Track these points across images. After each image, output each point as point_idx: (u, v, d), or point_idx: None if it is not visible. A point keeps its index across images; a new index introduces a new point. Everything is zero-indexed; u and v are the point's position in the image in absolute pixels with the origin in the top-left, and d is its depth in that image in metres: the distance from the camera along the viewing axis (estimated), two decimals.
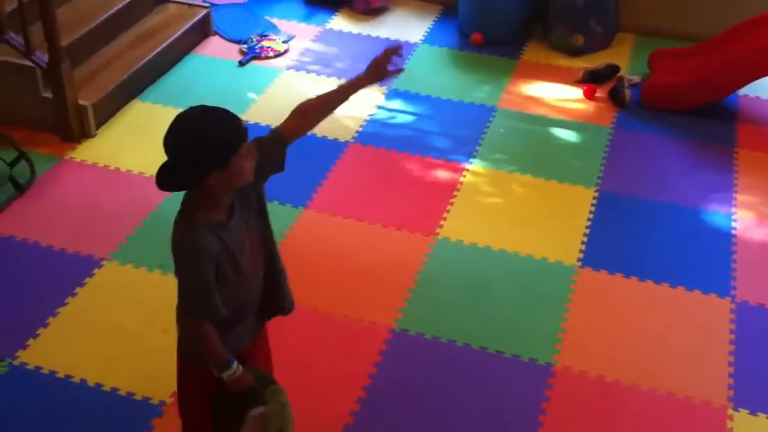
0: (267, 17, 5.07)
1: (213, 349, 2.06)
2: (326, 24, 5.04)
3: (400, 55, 2.26)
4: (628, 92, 4.38)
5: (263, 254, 2.17)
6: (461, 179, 3.85)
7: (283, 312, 2.33)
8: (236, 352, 2.18)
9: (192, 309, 2.04)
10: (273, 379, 2.25)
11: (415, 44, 4.88)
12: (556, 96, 4.46)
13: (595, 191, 3.80)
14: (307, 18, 5.10)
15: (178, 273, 2.02)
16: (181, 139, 1.92)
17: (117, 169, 3.84)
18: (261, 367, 2.30)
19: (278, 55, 4.71)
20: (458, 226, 3.57)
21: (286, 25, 5.01)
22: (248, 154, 1.96)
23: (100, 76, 4.18)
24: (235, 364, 2.08)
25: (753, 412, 2.82)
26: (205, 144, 1.90)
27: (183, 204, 2.03)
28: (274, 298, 2.27)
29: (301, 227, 3.54)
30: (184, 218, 2.01)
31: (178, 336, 2.17)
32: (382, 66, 2.24)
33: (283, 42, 4.80)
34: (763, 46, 4.07)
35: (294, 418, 2.24)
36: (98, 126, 4.06)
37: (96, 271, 3.29)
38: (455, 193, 3.76)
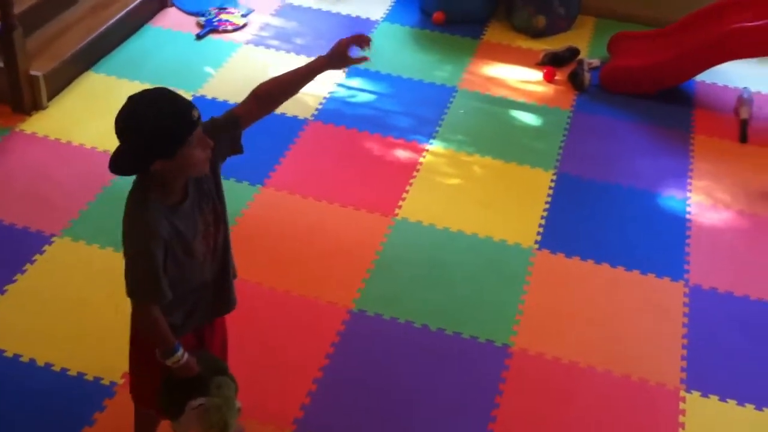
0: None
1: (158, 333, 2.01)
2: None
3: (367, 46, 2.20)
4: (587, 76, 4.40)
5: (217, 235, 2.12)
6: (421, 159, 3.83)
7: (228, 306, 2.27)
8: (192, 330, 2.15)
9: (137, 291, 1.98)
10: (224, 367, 2.20)
11: (377, 22, 4.83)
12: (517, 78, 4.46)
13: (554, 174, 3.81)
14: None
15: (126, 252, 1.97)
16: (129, 124, 1.87)
17: (69, 142, 3.74)
18: (216, 351, 2.27)
19: (236, 29, 4.62)
20: (417, 206, 3.56)
21: None
22: (200, 143, 1.90)
23: (53, 45, 4.06)
24: (180, 352, 2.03)
25: (705, 394, 2.87)
26: (151, 132, 1.85)
27: (135, 182, 1.98)
28: (224, 285, 2.21)
29: (258, 205, 3.49)
30: (136, 197, 1.96)
31: (131, 315, 2.13)
32: (345, 53, 2.18)
33: (242, 16, 4.71)
34: (722, 33, 4.10)
35: (244, 405, 2.20)
36: (50, 97, 3.95)
37: (46, 247, 3.20)
38: (415, 173, 3.74)
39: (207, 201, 2.06)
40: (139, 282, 1.96)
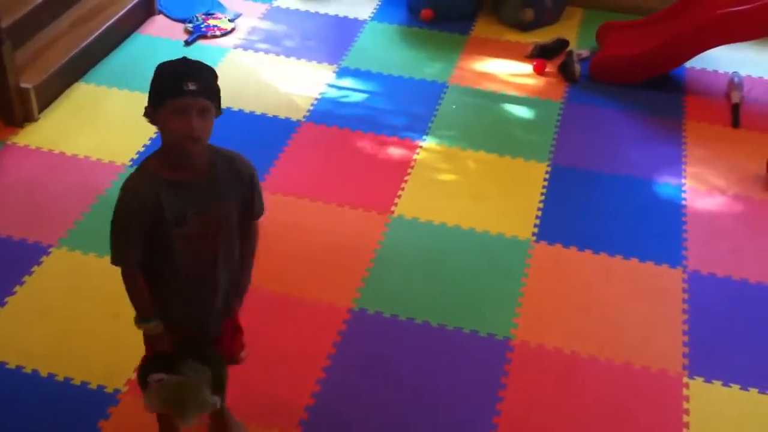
0: None
1: (135, 297, 2.08)
2: (273, 1, 4.96)
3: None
4: (577, 67, 4.40)
5: (223, 240, 2.12)
6: (415, 156, 3.83)
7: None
8: (190, 333, 2.17)
9: (111, 252, 2.05)
10: (210, 357, 2.19)
11: (365, 21, 4.83)
12: (507, 71, 4.46)
13: (548, 165, 3.82)
14: None
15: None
16: None
17: (62, 153, 3.73)
18: (224, 344, 2.28)
19: (225, 33, 4.62)
20: (413, 203, 3.56)
21: (233, 3, 4.91)
22: (179, 114, 1.93)
23: (42, 57, 4.05)
24: (154, 323, 2.10)
25: (708, 380, 2.87)
26: (153, 78, 2.00)
27: (149, 155, 2.08)
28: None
29: None
30: (140, 165, 2.06)
31: None
32: None
33: (230, 20, 4.71)
34: (710, 18, 4.11)
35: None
36: (41, 109, 3.95)
37: (44, 258, 3.20)
38: (409, 170, 3.74)
39: (224, 203, 2.08)
40: (112, 244, 2.03)
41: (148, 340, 2.17)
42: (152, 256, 2.04)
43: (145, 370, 2.16)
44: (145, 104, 2.00)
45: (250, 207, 2.17)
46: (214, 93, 2.00)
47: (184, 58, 2.03)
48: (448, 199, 3.61)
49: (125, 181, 2.03)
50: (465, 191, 3.65)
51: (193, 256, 2.08)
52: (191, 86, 1.92)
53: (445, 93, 4.27)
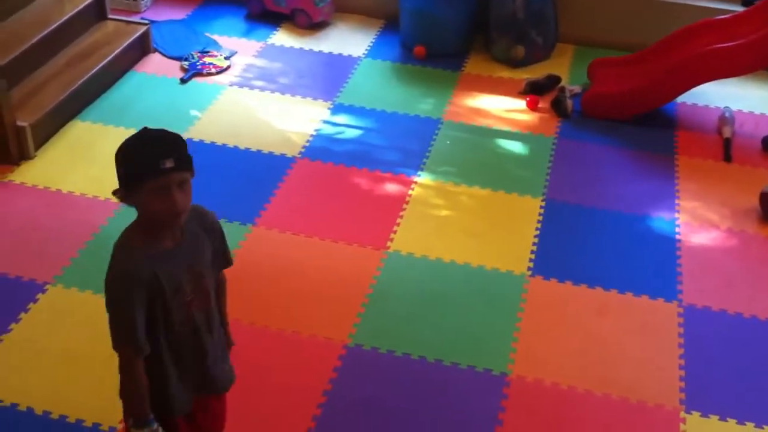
0: (208, 34, 5.02)
1: (135, 392, 1.97)
2: (268, 39, 5.01)
3: None
4: (569, 102, 4.45)
5: (209, 297, 2.08)
6: (410, 192, 3.85)
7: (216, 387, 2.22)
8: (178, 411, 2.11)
9: (114, 338, 1.95)
10: None
11: (359, 58, 4.88)
12: (500, 107, 4.51)
13: (542, 201, 3.84)
14: (248, 33, 5.07)
15: (106, 302, 1.95)
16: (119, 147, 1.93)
17: (58, 190, 3.74)
18: (209, 426, 2.23)
19: (220, 71, 4.66)
20: (409, 238, 3.57)
21: (228, 41, 4.97)
22: (159, 193, 1.85)
23: (38, 95, 4.08)
24: (154, 426, 1.99)
25: (705, 414, 2.87)
26: (119, 161, 1.90)
27: (126, 228, 1.99)
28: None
29: (251, 244, 3.50)
30: (121, 242, 1.97)
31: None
32: None
33: (225, 58, 4.75)
34: (700, 54, 4.17)
35: None
36: (37, 147, 3.96)
37: (40, 296, 3.19)
38: (404, 206, 3.76)
39: (200, 261, 2.03)
40: (115, 328, 1.94)
41: None
42: (147, 334, 1.96)
43: None
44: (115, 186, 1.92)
45: (223, 256, 2.13)
46: (189, 161, 1.91)
47: (147, 132, 1.92)
48: (443, 234, 3.62)
49: (114, 262, 1.94)
50: (460, 227, 3.67)
51: (189, 322, 2.03)
52: (168, 164, 1.84)
53: (439, 129, 4.31)
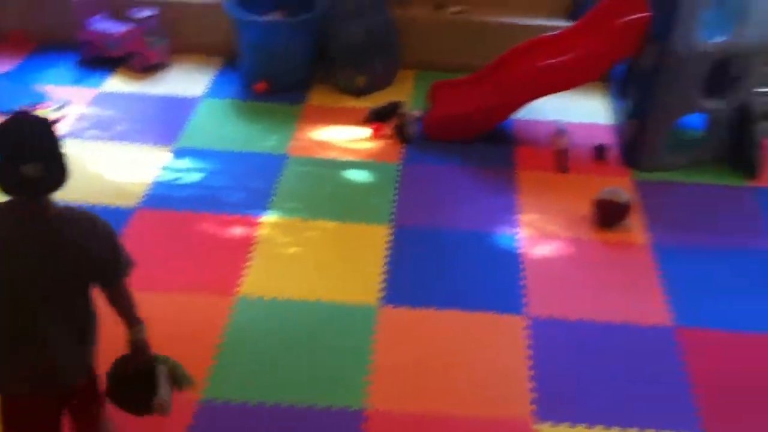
0: (37, 85, 4.82)
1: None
2: (102, 86, 4.87)
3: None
4: (412, 127, 4.52)
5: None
6: (257, 233, 3.80)
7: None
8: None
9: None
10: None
11: (198, 98, 4.80)
12: (344, 137, 4.53)
13: (390, 228, 3.87)
14: (81, 81, 4.91)
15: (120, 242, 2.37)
16: None
17: None
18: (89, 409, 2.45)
19: (53, 123, 4.47)
20: (257, 281, 3.52)
21: (60, 90, 4.79)
22: None
23: None
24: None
25: (556, 423, 2.95)
26: None
27: None
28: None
29: None
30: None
31: None
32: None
33: (57, 109, 4.57)
34: (532, 70, 4.32)
35: None
36: None
37: None
38: (252, 247, 3.71)
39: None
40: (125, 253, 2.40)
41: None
42: None
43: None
44: None
45: None
46: None
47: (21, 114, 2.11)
48: (292, 273, 3.59)
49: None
50: (309, 263, 3.65)
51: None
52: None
53: (284, 165, 4.28)
